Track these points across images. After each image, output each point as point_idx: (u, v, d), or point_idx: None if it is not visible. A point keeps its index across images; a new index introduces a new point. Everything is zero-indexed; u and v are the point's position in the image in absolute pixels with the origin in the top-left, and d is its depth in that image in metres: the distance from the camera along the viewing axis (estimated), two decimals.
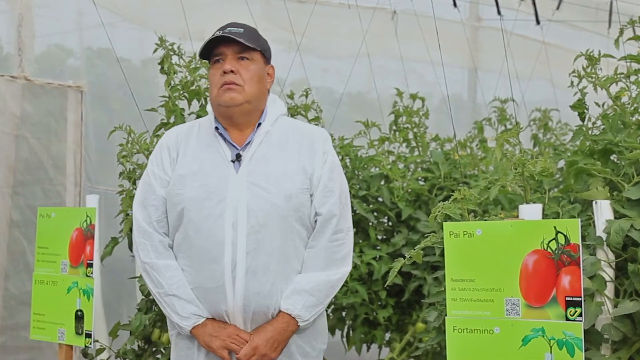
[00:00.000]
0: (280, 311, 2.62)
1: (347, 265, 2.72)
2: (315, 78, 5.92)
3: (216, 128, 2.72)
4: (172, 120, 3.78)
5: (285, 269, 2.62)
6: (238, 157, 2.67)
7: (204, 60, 3.83)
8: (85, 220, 3.27)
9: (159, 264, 2.66)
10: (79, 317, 3.21)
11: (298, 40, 5.57)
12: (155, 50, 3.85)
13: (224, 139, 2.70)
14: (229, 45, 2.66)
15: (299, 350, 2.69)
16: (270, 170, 2.64)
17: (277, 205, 2.60)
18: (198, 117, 3.85)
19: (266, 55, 2.75)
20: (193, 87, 3.83)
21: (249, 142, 2.69)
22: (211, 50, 2.70)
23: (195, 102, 3.87)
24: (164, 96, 3.83)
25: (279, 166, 2.66)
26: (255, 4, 5.65)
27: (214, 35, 2.69)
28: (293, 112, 4.59)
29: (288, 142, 2.72)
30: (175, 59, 3.84)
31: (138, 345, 3.56)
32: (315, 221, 2.68)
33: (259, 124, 2.71)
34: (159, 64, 3.87)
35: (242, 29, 2.70)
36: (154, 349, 3.55)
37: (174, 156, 2.73)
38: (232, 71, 2.64)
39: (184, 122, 3.78)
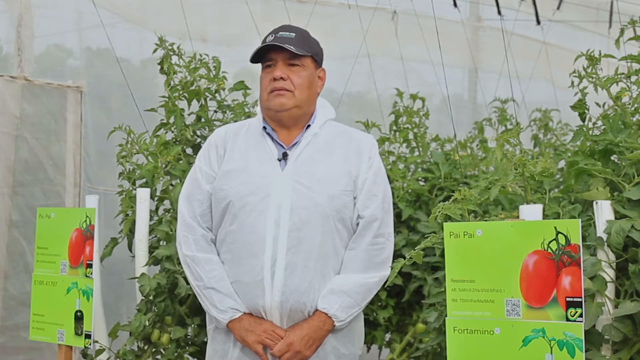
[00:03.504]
0: (316, 310, 2.64)
1: (386, 270, 2.75)
2: None
3: (264, 128, 2.75)
4: (171, 120, 3.77)
5: (324, 267, 2.65)
6: (284, 156, 2.71)
7: (203, 60, 3.84)
8: (85, 221, 3.27)
9: (200, 257, 2.70)
10: (79, 318, 3.21)
11: None
12: (155, 51, 3.85)
13: (272, 138, 2.74)
14: (280, 51, 2.68)
15: (333, 351, 2.71)
16: (316, 170, 2.68)
17: (320, 204, 2.64)
18: (198, 117, 3.85)
19: (317, 60, 2.78)
20: (193, 87, 3.82)
21: (296, 142, 2.74)
22: (262, 54, 2.72)
23: (195, 102, 3.86)
24: (163, 96, 3.82)
25: (325, 167, 2.70)
26: (255, 4, 5.65)
27: (265, 41, 2.72)
28: None
29: (335, 145, 2.76)
30: (175, 59, 3.84)
31: (138, 346, 3.55)
32: (357, 224, 2.71)
33: (308, 125, 2.76)
34: (159, 64, 3.86)
35: (294, 34, 2.72)
36: (153, 349, 3.54)
37: (221, 153, 2.78)
38: (282, 78, 2.68)
39: (184, 122, 3.78)
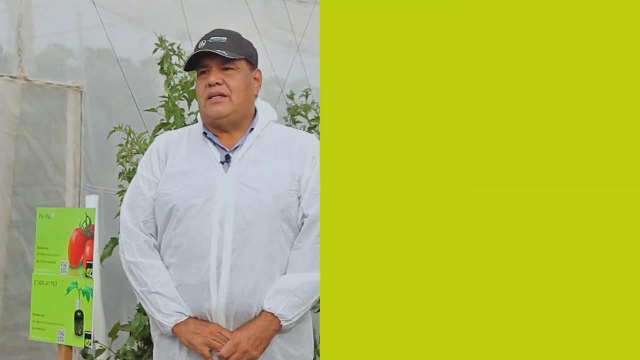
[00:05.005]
0: (262, 310, 2.61)
1: None
2: (315, 78, 5.90)
3: (204, 133, 2.73)
4: (171, 120, 3.78)
5: (270, 268, 2.62)
6: (227, 159, 2.68)
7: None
8: (85, 221, 3.27)
9: (144, 262, 2.66)
10: (79, 318, 3.21)
11: (298, 40, 5.56)
12: (155, 51, 3.85)
13: (213, 142, 2.72)
14: (213, 57, 2.66)
15: (281, 352, 2.66)
16: (260, 171, 2.66)
17: (265, 204, 2.61)
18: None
19: (251, 61, 2.75)
20: (193, 87, 3.83)
21: (239, 145, 2.71)
22: (196, 61, 2.71)
23: (195, 102, 3.86)
24: (163, 96, 3.83)
25: (269, 168, 2.67)
26: (255, 4, 5.65)
27: (197, 47, 2.70)
28: (293, 112, 4.60)
29: (278, 146, 2.73)
30: (175, 59, 3.84)
31: (137, 346, 3.56)
32: (302, 223, 2.68)
33: (252, 128, 2.73)
34: (159, 64, 3.87)
35: (225, 38, 2.69)
36: (153, 349, 3.54)
37: (162, 158, 2.74)
38: (217, 83, 2.66)
39: (184, 122, 3.78)
